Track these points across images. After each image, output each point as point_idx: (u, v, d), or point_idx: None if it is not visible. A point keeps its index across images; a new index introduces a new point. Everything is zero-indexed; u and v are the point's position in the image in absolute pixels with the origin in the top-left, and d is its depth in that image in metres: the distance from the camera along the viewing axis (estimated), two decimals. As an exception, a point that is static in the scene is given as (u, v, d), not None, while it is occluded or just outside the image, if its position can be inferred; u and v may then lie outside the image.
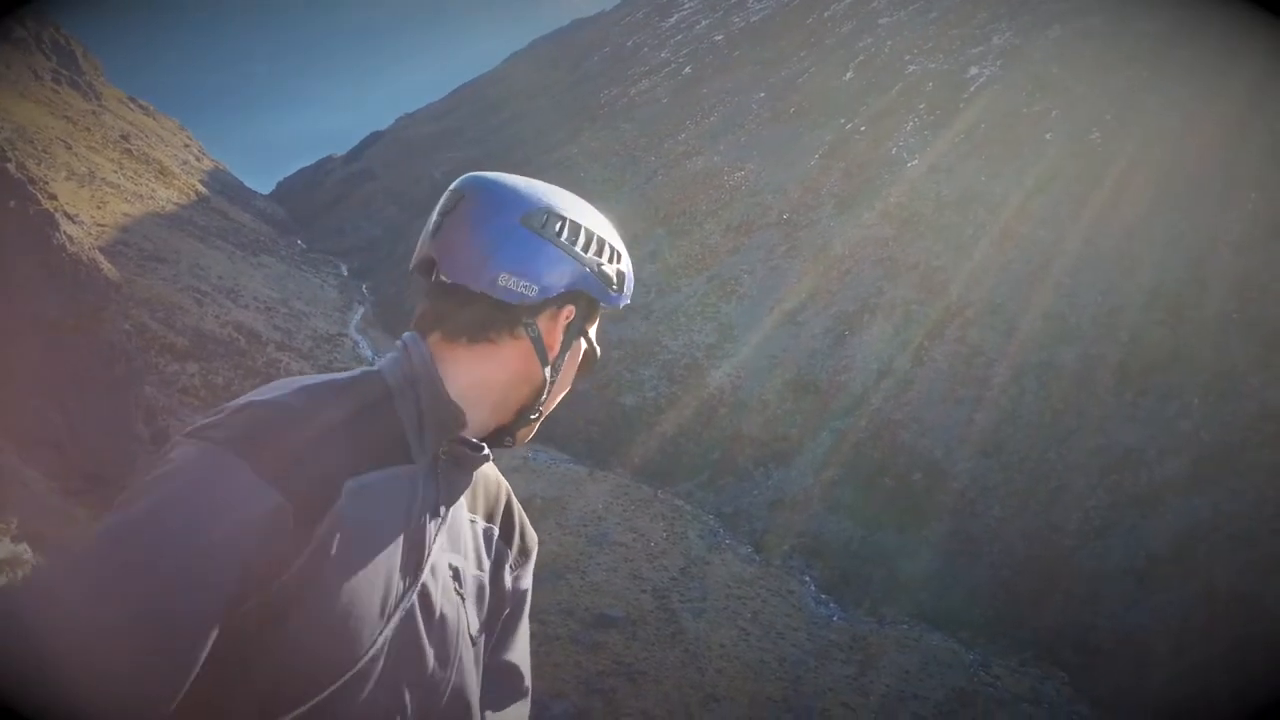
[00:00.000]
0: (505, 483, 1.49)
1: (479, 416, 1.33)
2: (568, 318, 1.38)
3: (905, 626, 19.95)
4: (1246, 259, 23.90)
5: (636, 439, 28.32)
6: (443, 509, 1.28)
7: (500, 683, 1.44)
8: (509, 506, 1.47)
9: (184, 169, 54.90)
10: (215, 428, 1.09)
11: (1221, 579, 18.65)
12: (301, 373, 29.40)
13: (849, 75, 42.94)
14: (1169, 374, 22.91)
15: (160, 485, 1.07)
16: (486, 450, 1.32)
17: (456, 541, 1.32)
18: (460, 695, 1.29)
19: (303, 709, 1.10)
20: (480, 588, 1.37)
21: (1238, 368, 21.95)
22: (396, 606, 1.18)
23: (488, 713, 1.41)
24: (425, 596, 1.23)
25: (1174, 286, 24.54)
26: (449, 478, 1.29)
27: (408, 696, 1.20)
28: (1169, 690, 17.35)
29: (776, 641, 18.66)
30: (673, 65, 55.88)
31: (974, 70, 37.82)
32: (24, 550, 7.00)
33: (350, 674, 1.12)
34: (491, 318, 1.32)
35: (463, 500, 1.35)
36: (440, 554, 1.27)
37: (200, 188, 52.44)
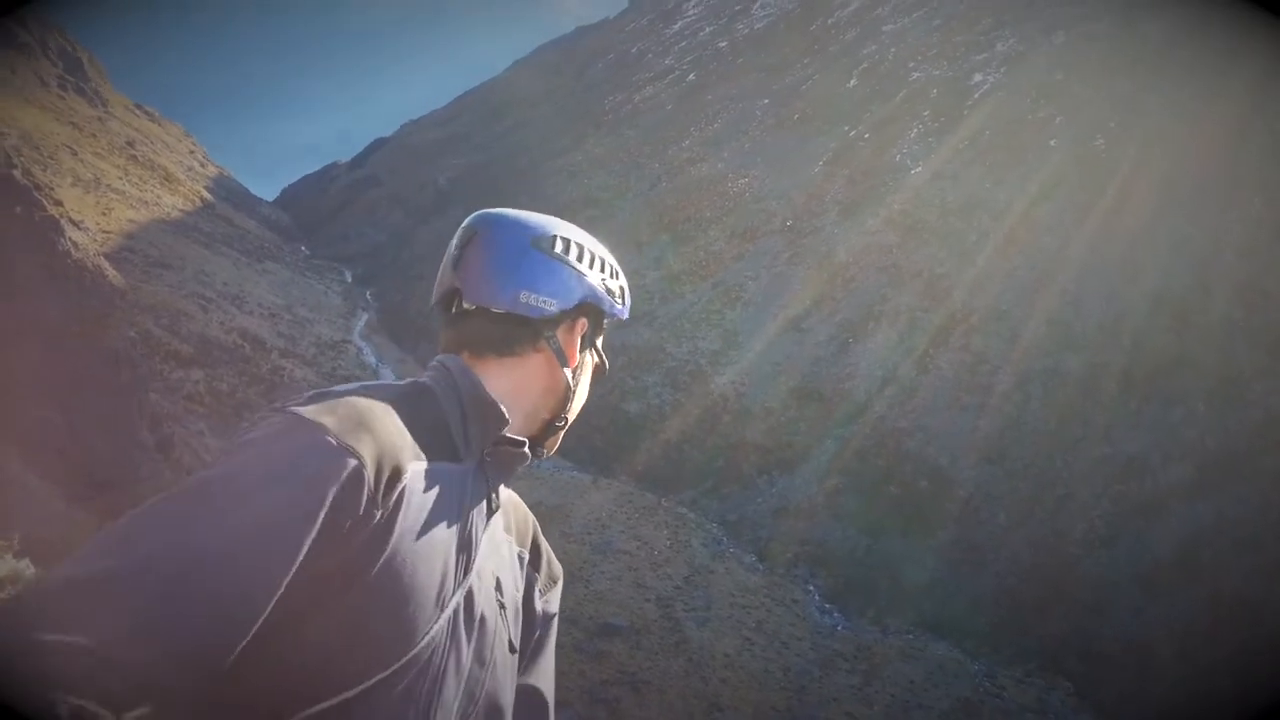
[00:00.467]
0: (532, 515, 1.58)
1: (514, 423, 1.43)
2: (583, 329, 1.51)
3: (910, 636, 19.88)
4: (1251, 264, 23.85)
5: (640, 446, 28.30)
6: (488, 511, 1.36)
7: (525, 706, 1.46)
8: (536, 536, 1.55)
9: (189, 175, 55.06)
10: (298, 406, 1.17)
11: (1226, 585, 18.58)
12: (305, 379, 29.41)
13: (853, 82, 42.97)
14: (1174, 380, 22.85)
15: (251, 443, 1.12)
16: (527, 447, 1.41)
17: (496, 553, 1.39)
18: (495, 701, 1.32)
19: (350, 693, 1.12)
20: (516, 607, 1.42)
21: (1243, 374, 21.90)
22: (450, 599, 1.22)
23: None
24: (469, 597, 1.27)
25: (1178, 292, 24.50)
26: (494, 479, 1.38)
27: (447, 693, 1.22)
28: (1174, 697, 17.28)
29: (781, 651, 18.60)
30: (677, 72, 55.97)
31: (978, 77, 37.83)
32: (25, 566, 6.99)
33: (402, 661, 1.15)
34: (515, 333, 1.45)
35: (499, 519, 1.41)
36: (485, 559, 1.33)
37: (205, 194, 52.59)
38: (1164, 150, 27.83)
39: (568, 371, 1.50)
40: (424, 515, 1.20)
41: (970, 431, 24.43)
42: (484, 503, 1.35)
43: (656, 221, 39.40)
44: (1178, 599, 18.90)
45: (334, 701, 1.11)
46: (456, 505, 1.27)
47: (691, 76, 54.09)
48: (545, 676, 1.52)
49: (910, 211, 32.72)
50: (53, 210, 19.77)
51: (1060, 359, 24.95)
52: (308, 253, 54.07)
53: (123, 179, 43.30)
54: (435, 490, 1.23)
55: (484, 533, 1.33)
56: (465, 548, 1.27)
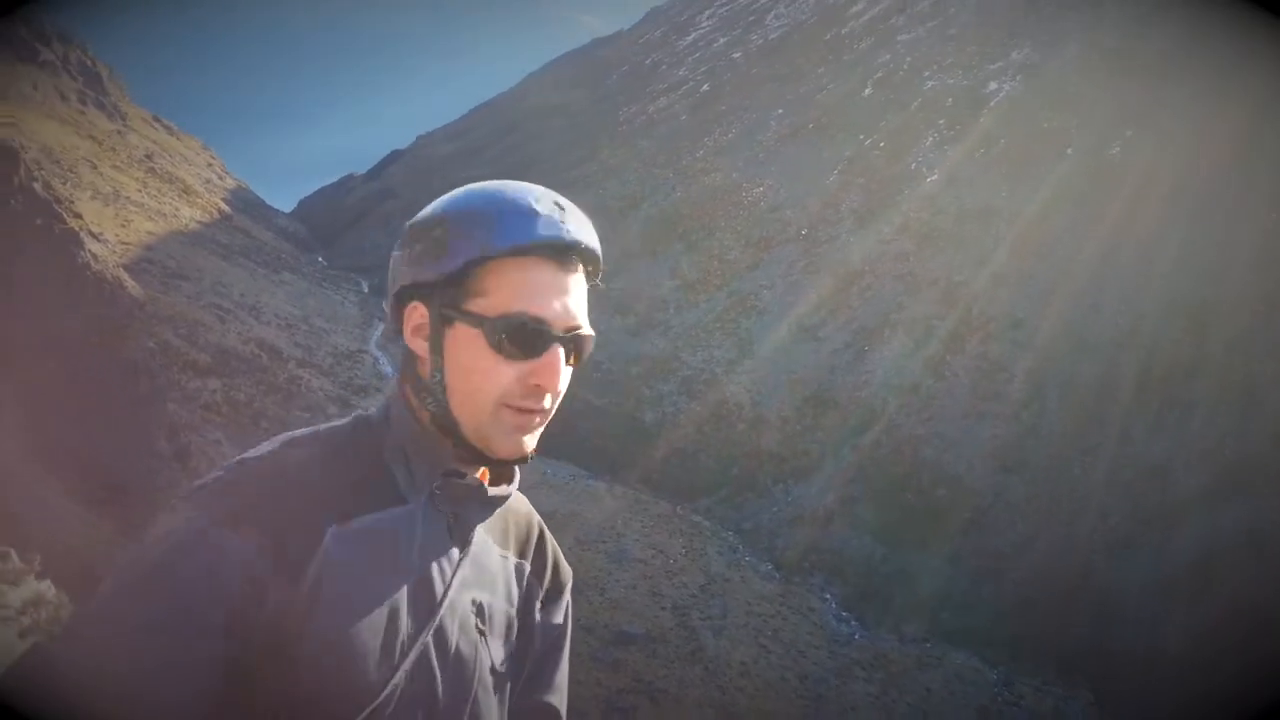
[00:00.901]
0: (537, 517, 1.46)
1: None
2: (420, 316, 1.24)
3: (927, 644, 19.77)
4: (1266, 270, 23.70)
5: (655, 454, 28.28)
6: (455, 546, 1.26)
7: None
8: (541, 541, 1.45)
9: (207, 187, 55.55)
10: (199, 491, 1.13)
11: (1246, 594, 18.38)
12: (322, 389, 29.58)
13: (868, 91, 42.96)
14: (1191, 387, 22.70)
15: (145, 550, 1.11)
16: (476, 480, 1.27)
17: (483, 577, 1.31)
18: None
19: None
20: (509, 624, 1.35)
21: (1260, 381, 21.72)
22: (410, 649, 1.17)
23: None
24: (440, 634, 1.22)
25: (1194, 299, 24.35)
26: (457, 512, 1.26)
27: None
28: (1197, 707, 17.08)
29: (797, 659, 18.53)
30: (691, 83, 56.12)
31: (993, 85, 37.77)
32: (48, 588, 7.08)
33: (364, 715, 1.12)
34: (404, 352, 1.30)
35: (490, 536, 1.34)
36: (461, 590, 1.26)
37: (223, 206, 53.02)
38: (1177, 157, 27.72)
39: (436, 371, 1.23)
40: (357, 574, 1.14)
41: (987, 439, 24.32)
42: (447, 541, 1.25)
43: (671, 231, 39.46)
44: (1197, 607, 18.71)
45: None
46: (404, 553, 1.20)
47: (706, 87, 54.22)
48: (555, 689, 1.46)
49: (925, 219, 32.67)
50: (73, 223, 20.00)
51: (1076, 366, 24.82)
52: (324, 263, 54.41)
53: (141, 191, 43.73)
54: (368, 547, 1.17)
55: (457, 565, 1.25)
56: (425, 591, 1.21)
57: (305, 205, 75.72)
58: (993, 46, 40.08)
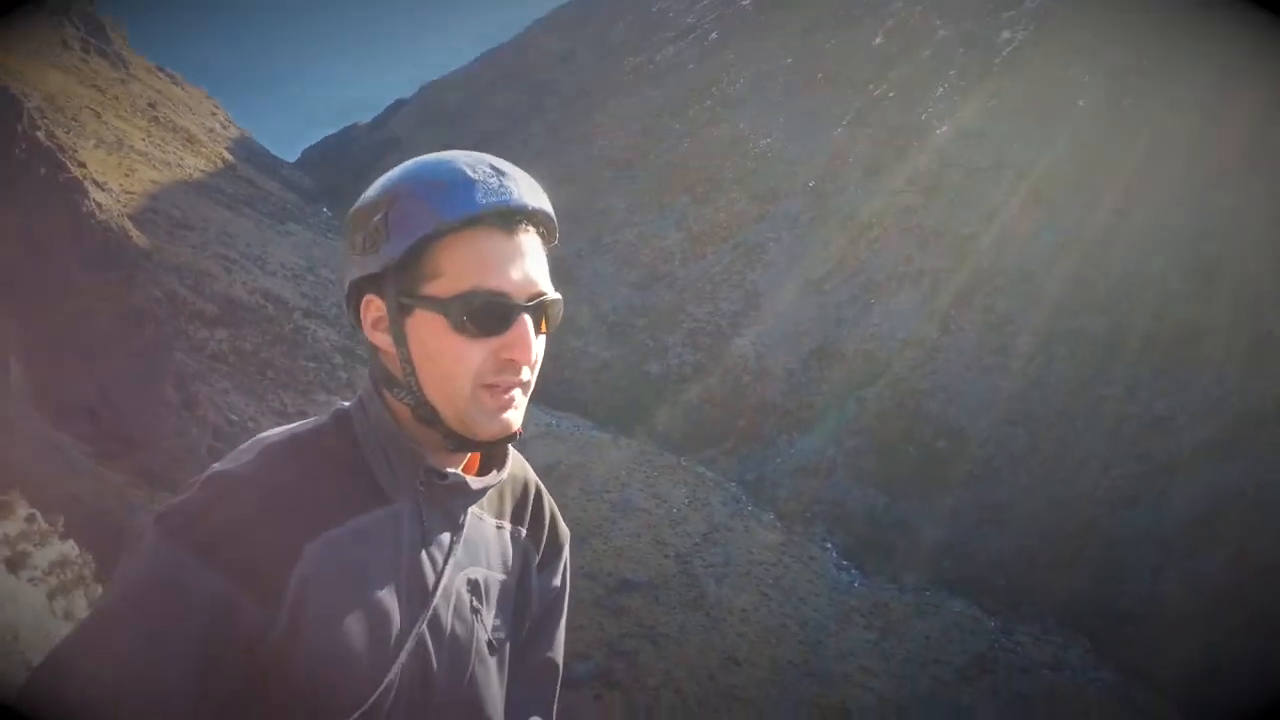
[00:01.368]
0: (534, 479, 1.46)
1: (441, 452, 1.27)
2: (376, 310, 1.21)
3: (927, 593, 19.99)
4: (1278, 227, 23.47)
5: (660, 406, 28.38)
6: (446, 532, 1.26)
7: (533, 681, 1.45)
8: (538, 504, 1.45)
9: (211, 137, 55.20)
10: (174, 512, 1.12)
11: (1250, 547, 18.49)
12: (328, 340, 29.67)
13: (878, 40, 42.28)
14: (1200, 342, 22.62)
15: (120, 582, 1.13)
16: (460, 478, 1.24)
17: (476, 553, 1.31)
18: (477, 708, 1.31)
19: None
20: (505, 592, 1.36)
21: (1270, 336, 21.63)
22: (404, 641, 1.19)
23: (534, 718, 1.44)
24: (435, 621, 1.23)
25: (1205, 254, 24.16)
26: (441, 506, 1.25)
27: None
28: (1197, 658, 17.29)
29: (798, 606, 18.78)
30: (699, 31, 55.25)
31: (1005, 34, 37.10)
32: (71, 548, 7.20)
33: (360, 712, 1.14)
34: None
35: (484, 510, 1.34)
36: (454, 573, 1.26)
37: (227, 156, 52.73)
38: (1192, 111, 27.30)
39: (407, 366, 1.20)
40: (339, 586, 1.14)
41: (992, 392, 24.33)
42: (433, 535, 1.24)
43: (678, 182, 39.14)
44: (1200, 560, 18.85)
45: None
46: (391, 552, 1.20)
47: (714, 35, 53.40)
48: (555, 646, 1.49)
49: (935, 171, 32.34)
50: (76, 172, 19.95)
51: (1084, 320, 24.73)
52: (330, 214, 54.22)
53: (145, 140, 43.49)
54: (352, 553, 1.16)
55: (448, 551, 1.25)
56: (417, 585, 1.21)
57: (310, 155, 75.19)
58: (1006, -6, 39.32)
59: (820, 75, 42.28)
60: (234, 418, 20.98)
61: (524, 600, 1.41)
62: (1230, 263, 23.63)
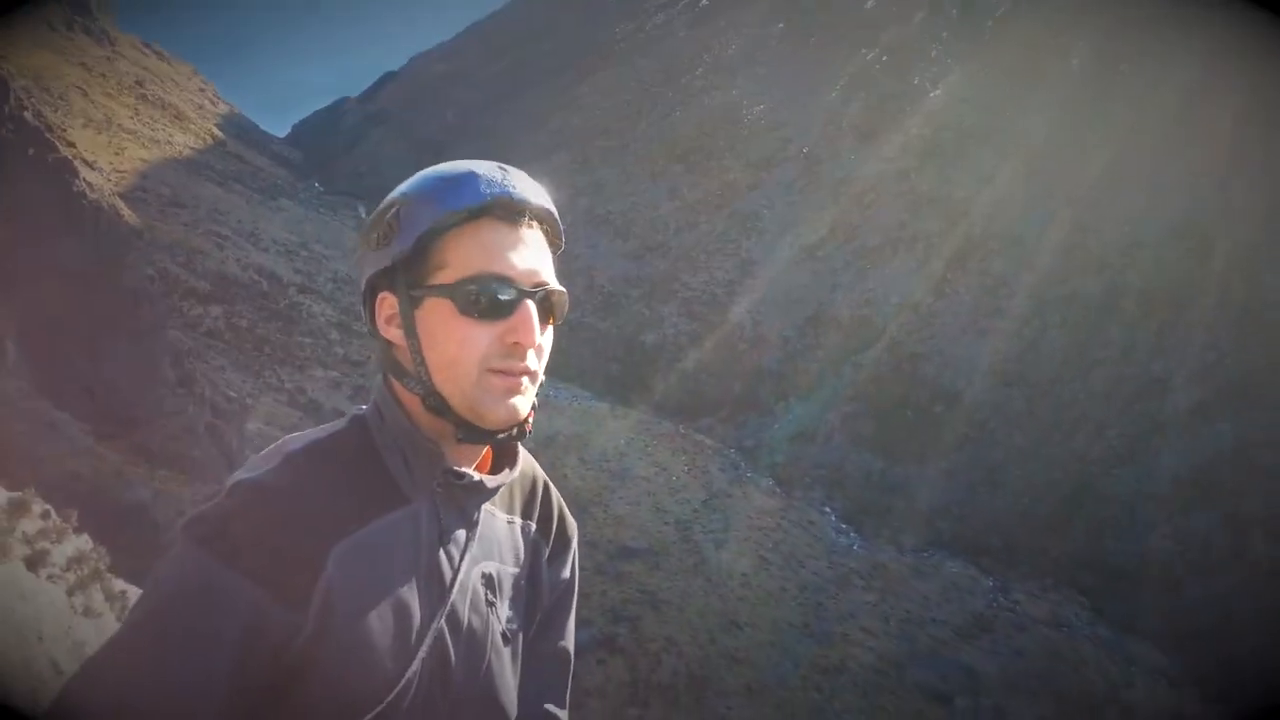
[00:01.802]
0: (542, 475, 1.50)
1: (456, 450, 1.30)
2: (390, 306, 1.25)
3: (925, 554, 20.15)
4: (1270, 188, 23.44)
5: (657, 375, 28.45)
6: (462, 529, 1.30)
7: (546, 670, 1.50)
8: (546, 499, 1.49)
9: (199, 114, 54.78)
10: (202, 521, 1.15)
11: (1244, 505, 18.67)
12: (324, 314, 29.64)
13: (870, 3, 41.97)
14: (1194, 303, 22.68)
15: (153, 593, 1.15)
16: (477, 478, 1.28)
17: (490, 548, 1.35)
18: (492, 698, 1.35)
19: None
20: (517, 585, 1.40)
21: (1265, 296, 21.68)
22: (424, 637, 1.22)
23: (548, 705, 1.49)
24: (453, 615, 1.27)
25: (1199, 216, 24.15)
26: (457, 504, 1.29)
27: (440, 711, 1.26)
28: (1192, 614, 17.50)
29: (797, 570, 18.92)
30: (689, -3, 54.81)
31: (997, -5, 36.86)
32: (85, 542, 7.22)
33: (383, 705, 1.18)
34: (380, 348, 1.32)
35: (496, 506, 1.38)
36: (470, 569, 1.30)
37: (216, 132, 52.39)
38: (1185, 73, 27.17)
39: (419, 362, 1.24)
40: (365, 585, 1.18)
41: (988, 355, 24.41)
42: (450, 531, 1.28)
43: (670, 151, 38.98)
44: (1195, 518, 19.02)
45: None
46: (411, 551, 1.23)
47: (704, 1, 52.95)
48: (566, 635, 1.53)
49: (928, 136, 32.23)
50: (65, 151, 19.79)
51: (1079, 282, 24.77)
52: (321, 189, 53.96)
53: (134, 118, 43.18)
54: (375, 555, 1.20)
55: (464, 547, 1.29)
56: (435, 581, 1.25)
57: (299, 130, 74.73)
58: (999, -46, 39.00)
59: (812, 40, 42.01)
60: (232, 394, 21.01)
61: (535, 593, 1.45)
62: (1222, 223, 23.64)
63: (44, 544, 6.63)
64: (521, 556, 1.42)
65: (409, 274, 1.22)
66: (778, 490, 22.81)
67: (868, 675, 15.68)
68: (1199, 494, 19.34)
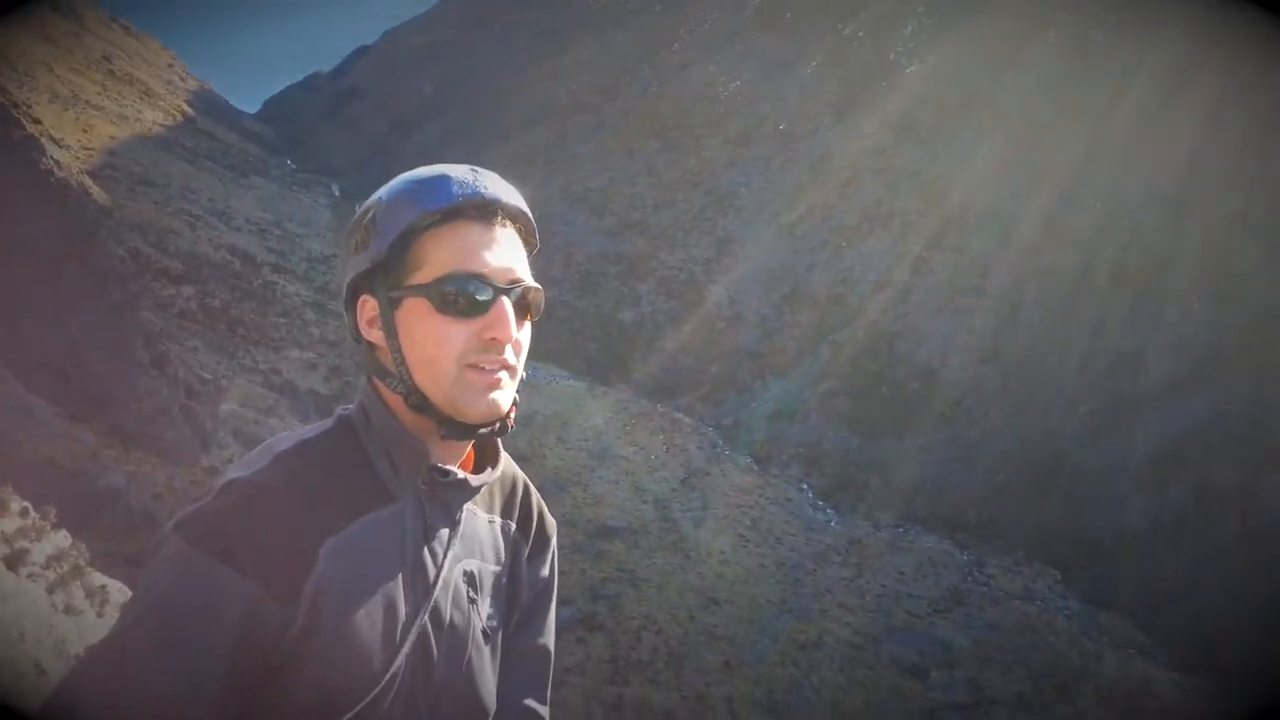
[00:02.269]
0: (522, 476, 1.52)
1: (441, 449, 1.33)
2: (371, 310, 1.28)
3: (900, 530, 20.39)
4: (1245, 161, 23.64)
5: (635, 354, 28.46)
6: (445, 527, 1.32)
7: (526, 666, 1.52)
8: (526, 500, 1.51)
9: (169, 89, 53.91)
10: (195, 520, 1.16)
11: (1215, 477, 18.95)
12: (298, 294, 29.37)
13: (847, -23, 41.78)
14: (1168, 276, 22.90)
15: (146, 593, 1.15)
16: (461, 476, 1.31)
17: (472, 546, 1.38)
18: (473, 693, 1.37)
19: None
20: (498, 583, 1.43)
21: (1238, 269, 21.89)
22: (408, 632, 1.24)
23: (528, 701, 1.51)
24: (436, 612, 1.29)
25: (1174, 188, 24.33)
26: (441, 502, 1.32)
27: (421, 706, 1.28)
28: (1163, 586, 17.81)
29: (775, 547, 19.10)
30: (665, -29, 54.33)
31: (975, -31, 36.77)
32: (64, 538, 7.16)
33: (367, 700, 1.20)
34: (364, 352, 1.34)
35: (477, 505, 1.40)
36: (453, 566, 1.32)
37: (186, 108, 51.60)
38: (1163, 46, 27.29)
39: (401, 365, 1.26)
40: (352, 580, 1.20)
41: (964, 332, 24.58)
42: (434, 529, 1.31)
43: (647, 128, 38.79)
44: (1167, 491, 19.31)
45: None
46: (397, 548, 1.26)
47: (681, -25, 52.52)
48: (545, 631, 1.56)
49: (905, 111, 32.24)
50: (32, 128, 19.43)
51: (1055, 257, 24.93)
52: (293, 166, 53.34)
53: (101, 94, 42.43)
54: (362, 551, 1.22)
55: (448, 545, 1.32)
56: (419, 577, 1.28)
57: (271, 106, 73.66)
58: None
59: (789, 14, 41.83)
60: (206, 375, 20.83)
61: (515, 590, 1.48)
62: (1197, 196, 23.83)
63: (23, 543, 6.58)
64: (502, 555, 1.44)
65: (387, 276, 1.25)
66: (755, 468, 22.96)
67: (844, 650, 15.88)
68: (1170, 467, 19.62)
